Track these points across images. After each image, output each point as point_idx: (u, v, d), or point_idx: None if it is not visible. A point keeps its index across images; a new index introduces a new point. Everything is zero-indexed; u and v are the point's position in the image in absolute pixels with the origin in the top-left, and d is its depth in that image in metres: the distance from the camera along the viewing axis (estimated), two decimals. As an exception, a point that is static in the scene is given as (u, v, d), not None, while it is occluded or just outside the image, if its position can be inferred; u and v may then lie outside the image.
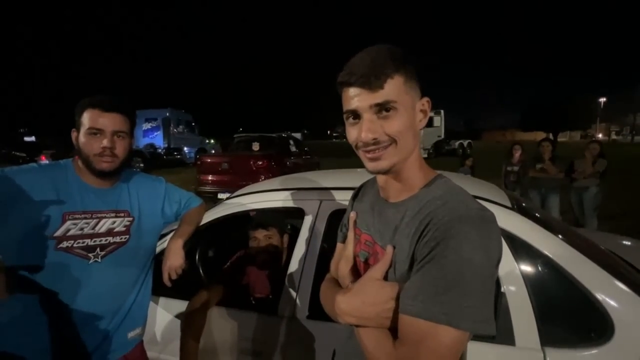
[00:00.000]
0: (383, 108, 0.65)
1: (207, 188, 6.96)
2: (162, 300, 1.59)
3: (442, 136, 20.37)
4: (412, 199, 0.71)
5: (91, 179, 1.12)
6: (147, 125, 17.33)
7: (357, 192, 0.93)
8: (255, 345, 1.41)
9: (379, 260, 0.71)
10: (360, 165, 0.75)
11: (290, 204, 1.56)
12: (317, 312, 1.18)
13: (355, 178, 1.51)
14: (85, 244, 1.08)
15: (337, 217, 1.33)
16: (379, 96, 0.64)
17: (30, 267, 1.01)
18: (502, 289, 1.14)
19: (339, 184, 1.55)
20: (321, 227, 1.44)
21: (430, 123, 18.62)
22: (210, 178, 7.11)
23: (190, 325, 1.42)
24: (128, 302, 1.21)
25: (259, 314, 1.44)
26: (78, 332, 1.08)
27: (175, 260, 1.28)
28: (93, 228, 1.10)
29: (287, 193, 1.60)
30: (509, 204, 1.34)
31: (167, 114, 17.39)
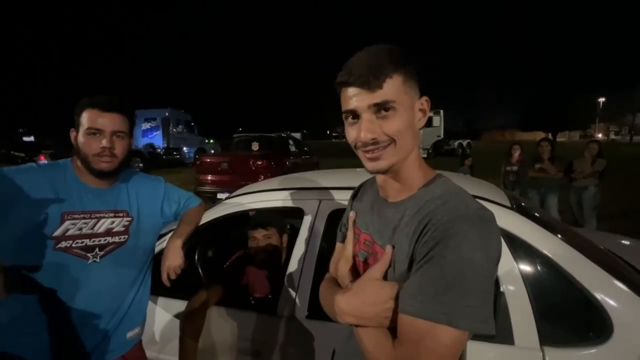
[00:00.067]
0: (382, 108, 0.65)
1: (207, 188, 6.96)
2: (161, 300, 1.58)
3: (442, 136, 20.39)
4: (411, 199, 0.71)
5: (90, 179, 1.12)
6: (146, 125, 17.32)
7: (357, 192, 0.93)
8: (254, 345, 1.41)
9: (378, 259, 0.71)
10: (360, 165, 0.75)
11: (289, 203, 1.56)
12: (317, 311, 1.18)
13: (354, 178, 1.51)
14: (84, 244, 1.08)
15: (336, 216, 1.33)
16: (378, 96, 0.64)
17: (29, 267, 1.01)
18: (502, 289, 1.14)
19: (338, 184, 1.55)
20: (320, 226, 1.44)
21: (429, 123, 18.64)
22: (209, 178, 7.10)
23: (190, 325, 1.42)
24: (127, 302, 1.20)
25: (258, 314, 1.44)
26: (77, 331, 1.08)
27: (174, 260, 1.28)
28: (92, 228, 1.10)
29: (287, 193, 1.59)
30: (508, 204, 1.34)
31: (167, 114, 17.38)
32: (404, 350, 0.60)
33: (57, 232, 1.03)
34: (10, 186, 0.99)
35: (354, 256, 0.82)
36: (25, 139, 16.31)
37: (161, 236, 1.49)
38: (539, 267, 1.17)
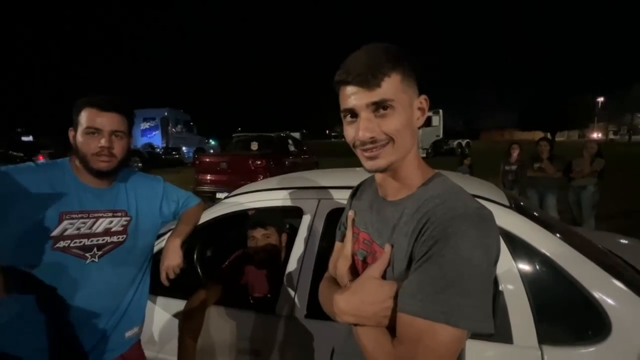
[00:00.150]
0: (380, 106, 0.65)
1: (206, 188, 6.96)
2: (160, 299, 1.58)
3: (441, 136, 20.40)
4: (410, 198, 0.71)
5: (89, 178, 1.11)
6: (145, 125, 17.31)
7: (356, 191, 0.93)
8: (253, 345, 1.41)
9: (377, 259, 0.71)
10: (359, 164, 0.75)
11: (288, 203, 1.56)
12: (316, 311, 1.18)
13: (353, 177, 1.51)
14: (82, 244, 1.08)
15: (335, 216, 1.33)
16: (376, 95, 0.64)
17: (27, 267, 1.01)
18: (500, 288, 1.14)
19: (337, 183, 1.55)
20: (319, 226, 1.44)
21: (428, 122, 18.64)
22: (208, 177, 7.10)
23: (189, 325, 1.42)
24: (125, 302, 1.20)
25: (257, 313, 1.44)
26: (76, 331, 1.08)
27: (173, 260, 1.28)
28: (90, 228, 1.09)
29: (285, 192, 1.59)
30: (507, 203, 1.34)
31: (166, 114, 17.38)
32: (403, 349, 0.60)
33: (55, 232, 1.03)
34: (8, 185, 0.99)
35: (353, 255, 0.82)
36: (24, 138, 16.29)
37: (160, 236, 1.48)
38: (537, 266, 1.17)
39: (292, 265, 1.44)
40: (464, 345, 0.62)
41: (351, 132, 0.69)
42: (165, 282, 1.28)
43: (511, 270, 1.15)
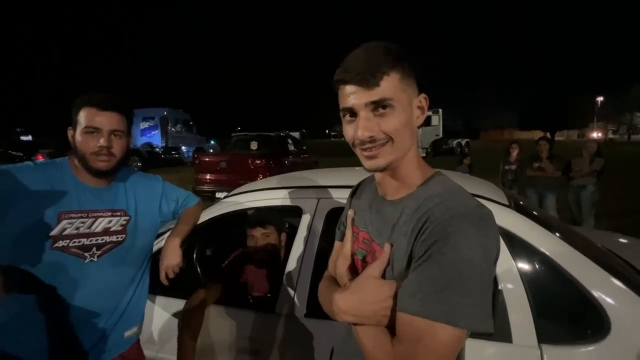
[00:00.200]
0: (379, 105, 0.65)
1: (205, 187, 6.95)
2: (159, 299, 1.58)
3: (440, 135, 20.40)
4: (410, 197, 0.70)
5: (88, 178, 1.11)
6: (144, 124, 17.28)
7: (355, 190, 0.93)
8: (253, 344, 1.41)
9: (376, 258, 0.71)
10: (358, 163, 0.75)
11: (288, 202, 1.56)
12: (315, 310, 1.18)
13: (352, 176, 1.51)
14: (81, 244, 1.07)
15: (334, 215, 1.33)
16: (375, 94, 0.64)
17: (26, 267, 1.01)
18: (500, 287, 1.14)
19: (337, 182, 1.55)
20: (319, 225, 1.44)
21: (428, 122, 18.64)
22: (208, 177, 7.09)
23: (188, 324, 1.42)
24: (125, 301, 1.20)
25: (256, 313, 1.44)
26: (75, 331, 1.08)
27: (172, 259, 1.27)
28: (89, 227, 1.09)
29: (285, 191, 1.59)
30: (507, 202, 1.34)
31: (165, 113, 17.35)
32: (403, 348, 0.60)
33: (54, 232, 1.03)
34: (6, 185, 0.99)
35: (353, 254, 0.82)
36: (23, 138, 16.25)
37: (159, 235, 1.48)
38: (537, 265, 1.18)
39: (291, 264, 1.44)
40: (463, 345, 0.62)
41: (350, 131, 0.68)
42: (165, 282, 1.28)
43: (511, 270, 1.15)
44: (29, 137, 16.63)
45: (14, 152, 12.09)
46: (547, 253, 1.16)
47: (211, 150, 16.77)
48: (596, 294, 1.09)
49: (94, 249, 1.10)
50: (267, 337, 1.39)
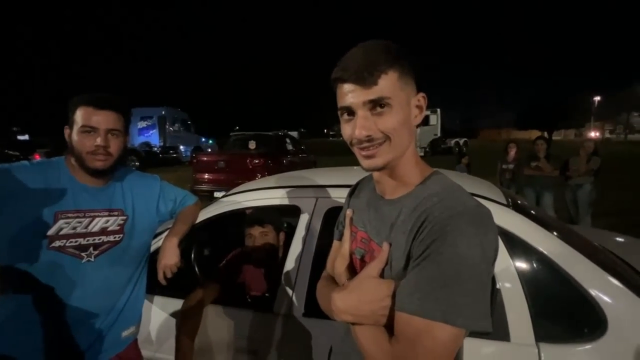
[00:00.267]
0: (377, 104, 0.64)
1: (203, 187, 6.93)
2: (157, 298, 1.58)
3: (439, 134, 20.44)
4: (408, 196, 0.70)
5: (84, 177, 1.10)
6: (142, 124, 17.22)
7: (354, 189, 0.92)
8: (251, 344, 1.41)
9: (375, 257, 0.71)
10: (356, 163, 0.75)
11: (286, 201, 1.56)
12: (314, 309, 1.18)
13: (351, 175, 1.51)
14: (78, 243, 1.07)
15: (333, 214, 1.33)
16: (373, 92, 0.63)
17: (22, 267, 1.00)
18: (498, 286, 1.15)
19: (335, 182, 1.55)
20: (317, 224, 1.44)
21: (426, 121, 18.66)
22: (206, 176, 7.07)
23: (186, 324, 1.41)
24: (122, 301, 1.20)
25: (255, 312, 1.44)
26: (72, 330, 1.07)
27: (170, 259, 1.27)
28: (86, 227, 1.09)
29: (283, 191, 1.59)
30: (505, 201, 1.35)
31: (163, 112, 17.30)
32: (401, 347, 0.60)
33: (51, 232, 1.02)
34: (2, 184, 0.98)
35: (351, 254, 0.82)
36: (20, 137, 16.16)
37: (157, 235, 1.48)
38: (534, 264, 1.18)
39: (290, 263, 1.44)
40: (461, 343, 0.62)
41: (348, 130, 0.68)
42: (163, 281, 1.27)
43: (509, 269, 1.15)
44: (26, 137, 16.54)
45: (11, 152, 12.01)
46: (545, 252, 1.16)
47: (209, 150, 16.74)
48: (593, 292, 1.09)
49: (91, 248, 1.09)
50: (265, 337, 1.39)
